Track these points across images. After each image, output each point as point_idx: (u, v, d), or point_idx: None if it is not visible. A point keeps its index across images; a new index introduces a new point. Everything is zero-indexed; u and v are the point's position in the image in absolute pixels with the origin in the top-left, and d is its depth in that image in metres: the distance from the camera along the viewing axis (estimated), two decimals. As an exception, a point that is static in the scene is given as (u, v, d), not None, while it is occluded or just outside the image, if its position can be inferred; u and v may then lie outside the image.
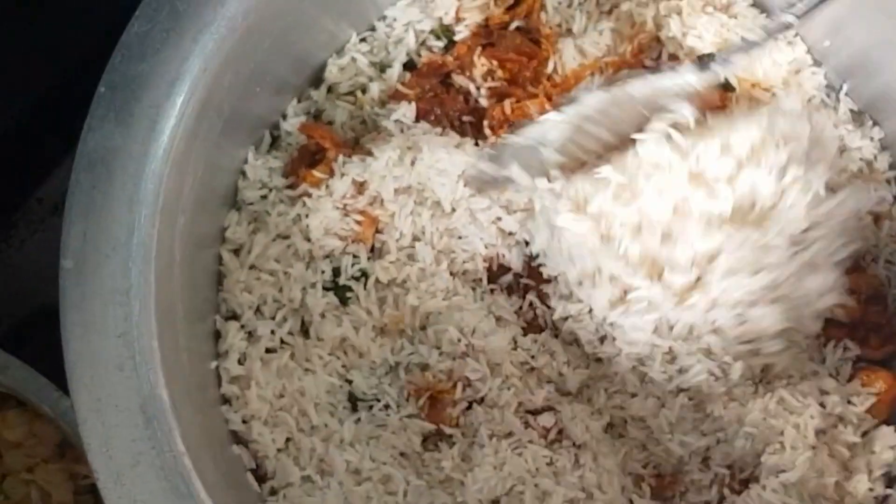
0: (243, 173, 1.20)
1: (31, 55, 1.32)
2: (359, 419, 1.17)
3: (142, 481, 0.99)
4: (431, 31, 1.28)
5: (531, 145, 1.17)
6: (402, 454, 1.17)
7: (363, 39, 1.27)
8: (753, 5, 1.25)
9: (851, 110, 1.23)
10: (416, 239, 1.19)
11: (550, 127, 1.16)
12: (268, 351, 1.18)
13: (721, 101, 1.21)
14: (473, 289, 1.20)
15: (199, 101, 1.05)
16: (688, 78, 1.16)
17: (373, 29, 1.28)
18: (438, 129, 1.22)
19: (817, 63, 1.24)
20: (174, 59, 1.03)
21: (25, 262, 1.45)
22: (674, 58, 1.23)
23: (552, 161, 1.16)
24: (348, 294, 1.18)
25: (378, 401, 1.17)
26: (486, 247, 1.20)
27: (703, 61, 1.16)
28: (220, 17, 1.04)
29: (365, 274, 1.18)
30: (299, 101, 1.24)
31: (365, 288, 1.18)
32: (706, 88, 1.16)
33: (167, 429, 1.00)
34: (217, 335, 1.18)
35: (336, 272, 1.19)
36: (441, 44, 1.27)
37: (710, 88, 1.17)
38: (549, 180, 1.15)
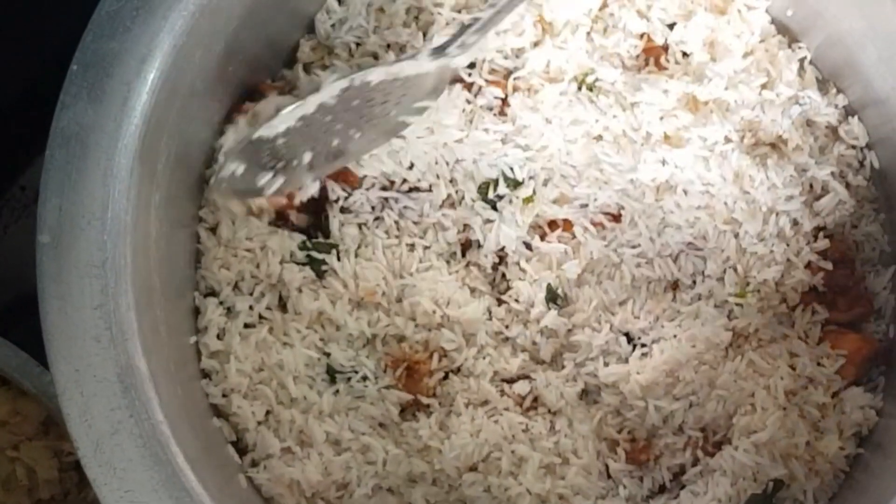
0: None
1: (11, 44, 1.34)
2: (337, 391, 1.19)
3: (121, 449, 1.00)
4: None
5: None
6: (380, 424, 1.19)
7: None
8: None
9: (817, 78, 1.24)
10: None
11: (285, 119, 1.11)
12: (246, 326, 1.19)
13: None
14: (448, 262, 1.22)
15: (170, 78, 1.06)
16: (425, 66, 1.13)
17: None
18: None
19: (781, 33, 1.25)
20: (144, 36, 1.04)
21: (9, 250, 1.47)
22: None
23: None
24: (324, 268, 1.20)
25: (356, 373, 1.19)
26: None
27: (438, 51, 1.14)
28: (188, -7, 1.05)
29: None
30: (273, 81, 1.25)
31: (339, 260, 1.19)
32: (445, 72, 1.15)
33: (145, 398, 1.02)
34: (196, 311, 1.20)
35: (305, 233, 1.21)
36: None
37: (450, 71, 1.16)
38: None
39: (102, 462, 1.01)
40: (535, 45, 1.22)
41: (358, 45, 1.24)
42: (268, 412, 1.18)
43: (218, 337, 1.18)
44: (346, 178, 1.20)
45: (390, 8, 1.24)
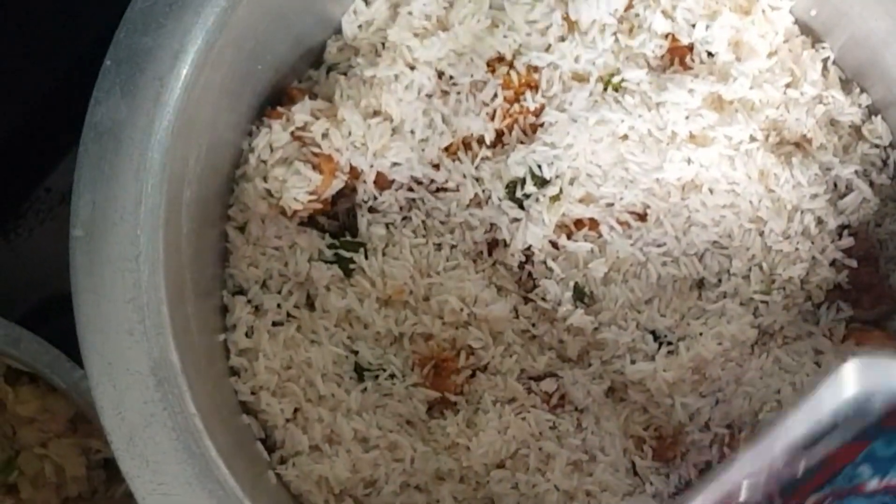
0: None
1: (39, 46, 1.35)
2: (365, 389, 1.19)
3: (154, 442, 1.01)
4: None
5: None
6: (408, 422, 1.20)
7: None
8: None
9: (840, 78, 1.25)
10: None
11: None
12: (274, 324, 1.20)
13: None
14: (474, 261, 1.23)
15: (202, 75, 1.07)
16: None
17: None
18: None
19: (804, 33, 1.26)
20: (177, 32, 1.05)
21: (34, 252, 1.47)
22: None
23: None
24: (352, 266, 1.20)
25: (384, 370, 1.20)
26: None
27: None
28: (221, -10, 1.06)
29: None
30: (300, 82, 1.26)
31: (367, 259, 1.20)
32: None
33: (178, 391, 1.02)
34: (224, 310, 1.20)
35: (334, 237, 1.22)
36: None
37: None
38: None
39: (135, 455, 1.01)
40: (562, 39, 1.23)
41: (384, 45, 1.25)
42: (296, 410, 1.18)
43: (246, 335, 1.19)
44: (378, 181, 1.21)
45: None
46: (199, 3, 1.06)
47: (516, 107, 1.22)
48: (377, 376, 1.20)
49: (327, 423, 1.17)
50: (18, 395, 1.26)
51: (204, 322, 1.15)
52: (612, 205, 1.20)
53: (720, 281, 1.21)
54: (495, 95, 1.21)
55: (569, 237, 1.21)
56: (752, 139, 1.20)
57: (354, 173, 1.21)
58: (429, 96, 1.22)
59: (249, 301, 1.21)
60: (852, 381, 0.87)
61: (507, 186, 1.21)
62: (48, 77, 1.39)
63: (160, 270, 1.04)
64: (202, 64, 1.07)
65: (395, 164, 1.20)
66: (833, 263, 1.21)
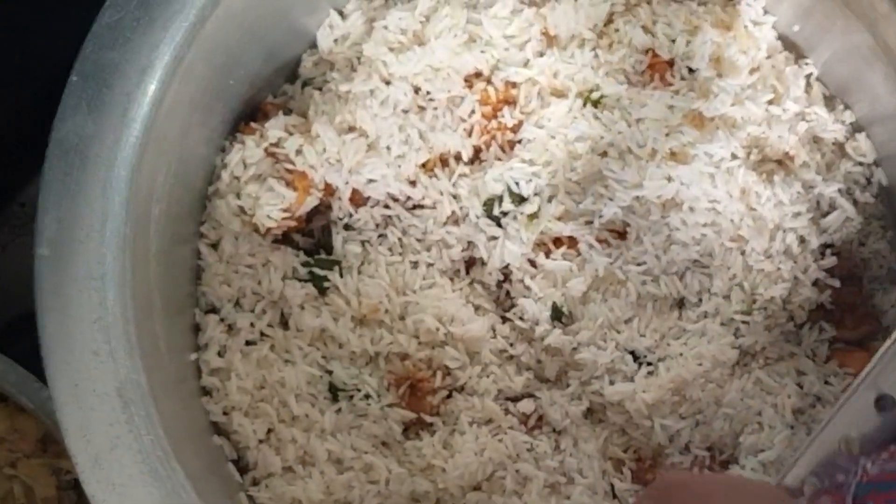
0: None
1: (12, 61, 1.34)
2: (339, 409, 1.18)
3: (120, 465, 1.00)
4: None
5: None
6: (383, 443, 1.18)
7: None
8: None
9: (824, 94, 1.24)
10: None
11: None
12: (247, 343, 1.19)
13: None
14: (451, 279, 1.21)
15: (170, 90, 1.06)
16: None
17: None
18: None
19: (787, 48, 1.25)
20: (144, 47, 1.04)
21: (8, 267, 1.46)
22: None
23: None
24: (326, 284, 1.19)
25: (358, 391, 1.18)
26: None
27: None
28: (189, 5, 1.05)
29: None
30: (275, 96, 1.25)
31: (341, 277, 1.19)
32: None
33: (145, 413, 1.01)
34: (196, 328, 1.19)
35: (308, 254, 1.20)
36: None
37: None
38: None
39: (101, 478, 1.00)
40: (540, 54, 1.22)
41: (359, 59, 1.23)
42: (269, 430, 1.17)
43: (219, 354, 1.18)
44: (353, 198, 1.20)
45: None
46: (168, 18, 1.05)
47: (494, 123, 1.21)
48: (352, 396, 1.18)
49: (301, 444, 1.16)
50: (-14, 415, 1.24)
51: (174, 341, 1.14)
52: (591, 222, 1.19)
53: (701, 300, 1.20)
54: (473, 111, 1.20)
55: (547, 255, 1.19)
56: (734, 157, 1.18)
57: (329, 190, 1.19)
58: (405, 112, 1.20)
59: (222, 320, 1.19)
60: None
61: (485, 204, 1.19)
62: (22, 92, 1.38)
63: (127, 289, 1.03)
64: (170, 79, 1.06)
65: (370, 180, 1.19)
66: (816, 283, 1.20)
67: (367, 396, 1.18)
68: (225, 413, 1.17)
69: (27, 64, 1.36)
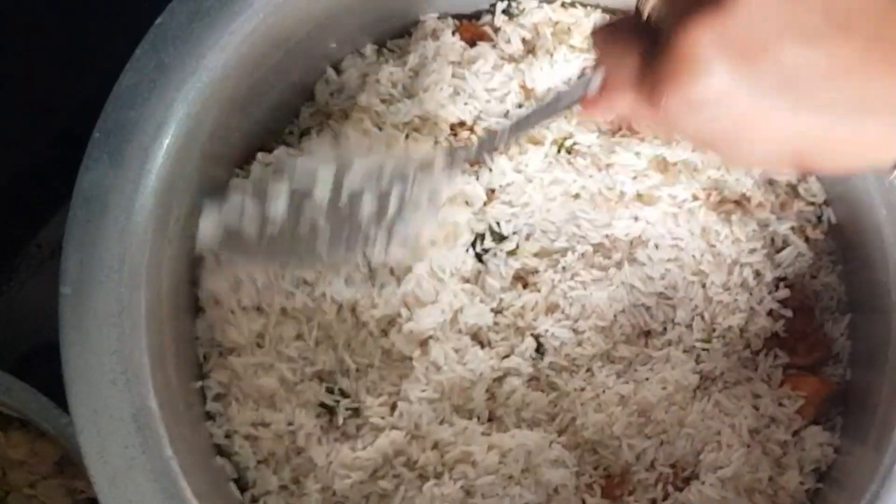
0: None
1: (31, 106, 1.43)
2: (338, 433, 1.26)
3: (134, 484, 1.08)
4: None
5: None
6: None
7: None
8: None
9: (777, 141, 1.33)
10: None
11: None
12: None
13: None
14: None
15: (184, 143, 1.15)
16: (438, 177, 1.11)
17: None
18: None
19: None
20: (160, 105, 1.13)
21: (25, 303, 1.54)
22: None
23: None
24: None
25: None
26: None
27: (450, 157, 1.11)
28: (201, 67, 1.14)
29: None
30: (277, 143, 1.34)
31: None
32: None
33: (157, 436, 1.10)
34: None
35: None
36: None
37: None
38: None
39: (118, 496, 1.08)
40: (519, 105, 1.31)
41: (353, 108, 1.33)
42: (269, 453, 1.25)
43: (220, 382, 1.26)
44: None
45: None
46: (181, 80, 1.14)
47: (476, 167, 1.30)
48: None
49: (296, 462, 1.24)
50: (9, 440, 1.33)
51: (183, 370, 1.22)
52: (564, 257, 1.28)
53: (665, 329, 1.28)
54: (456, 158, 1.29)
55: (524, 287, 1.28)
56: (695, 198, 1.28)
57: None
58: (396, 156, 1.29)
59: (221, 353, 1.28)
60: None
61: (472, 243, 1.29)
62: (38, 142, 1.47)
63: (142, 325, 1.12)
64: (184, 133, 1.15)
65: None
66: (770, 313, 1.28)
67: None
68: (227, 436, 1.25)
69: (43, 116, 1.45)
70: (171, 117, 1.14)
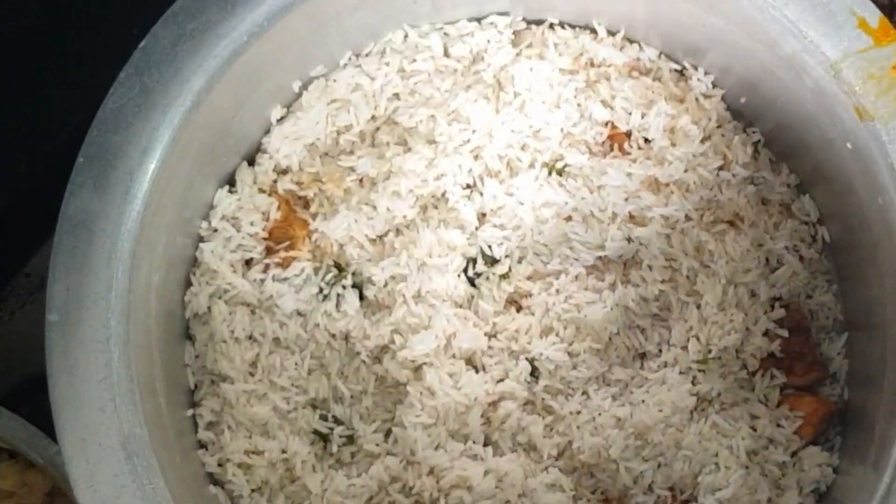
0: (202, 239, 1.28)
1: (17, 137, 1.42)
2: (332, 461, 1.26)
3: (124, 514, 1.07)
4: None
5: None
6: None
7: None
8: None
9: (770, 159, 1.33)
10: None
11: None
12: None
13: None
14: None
15: (168, 168, 1.14)
16: None
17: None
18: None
19: (735, 118, 1.34)
20: (145, 130, 1.13)
21: (15, 334, 1.52)
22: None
23: None
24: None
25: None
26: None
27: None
28: (185, 91, 1.14)
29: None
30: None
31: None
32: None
33: (147, 464, 1.08)
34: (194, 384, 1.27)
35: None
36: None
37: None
38: None
39: (107, 525, 1.07)
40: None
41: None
42: (262, 481, 1.24)
43: (212, 410, 1.25)
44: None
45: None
46: (166, 104, 1.14)
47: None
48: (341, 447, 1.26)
49: (291, 491, 1.23)
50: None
51: (173, 398, 1.21)
52: (558, 280, 1.27)
53: (661, 351, 1.28)
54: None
55: (518, 311, 1.28)
56: (688, 218, 1.28)
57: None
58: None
59: (213, 381, 1.27)
60: None
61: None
62: (25, 173, 1.46)
63: (130, 351, 1.11)
64: (169, 158, 1.14)
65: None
66: (766, 333, 1.27)
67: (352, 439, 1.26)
68: (220, 465, 1.24)
69: (30, 146, 1.44)
70: (156, 141, 1.14)
